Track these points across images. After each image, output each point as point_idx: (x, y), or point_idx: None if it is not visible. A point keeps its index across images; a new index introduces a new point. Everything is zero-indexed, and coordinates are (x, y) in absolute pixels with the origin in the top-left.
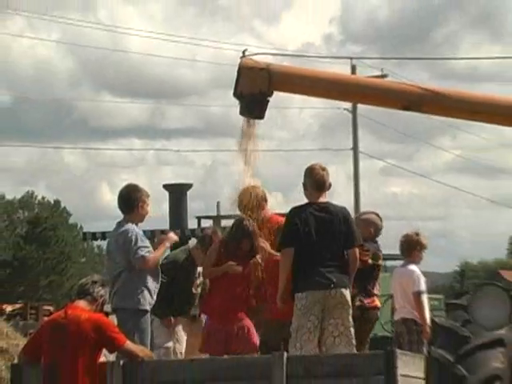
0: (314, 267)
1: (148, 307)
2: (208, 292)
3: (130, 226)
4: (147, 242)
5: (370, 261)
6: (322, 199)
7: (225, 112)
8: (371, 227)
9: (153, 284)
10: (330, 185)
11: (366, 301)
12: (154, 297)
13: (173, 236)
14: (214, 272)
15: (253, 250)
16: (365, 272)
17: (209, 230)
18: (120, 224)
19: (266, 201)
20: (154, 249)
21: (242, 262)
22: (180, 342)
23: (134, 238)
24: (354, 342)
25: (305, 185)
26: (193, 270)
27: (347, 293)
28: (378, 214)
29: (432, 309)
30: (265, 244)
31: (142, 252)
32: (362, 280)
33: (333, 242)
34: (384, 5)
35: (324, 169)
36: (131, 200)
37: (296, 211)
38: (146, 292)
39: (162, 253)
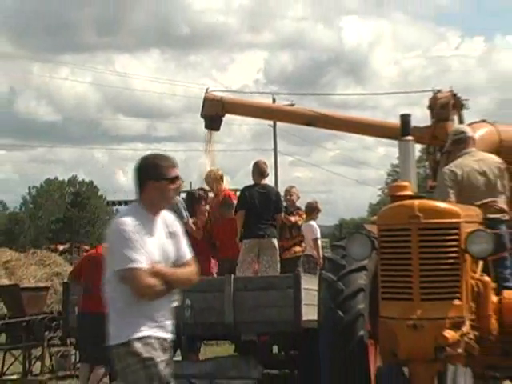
0: (255, 224)
1: None
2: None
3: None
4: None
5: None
6: (263, 182)
7: (194, 127)
8: (296, 196)
9: None
10: (268, 174)
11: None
12: None
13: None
14: None
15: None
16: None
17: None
18: None
19: (222, 178)
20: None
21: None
22: None
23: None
24: (278, 270)
25: (253, 173)
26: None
27: (275, 241)
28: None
29: (322, 248)
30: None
31: (186, 219)
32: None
33: (268, 209)
34: (291, 62)
35: (265, 163)
36: None
37: (247, 188)
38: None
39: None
